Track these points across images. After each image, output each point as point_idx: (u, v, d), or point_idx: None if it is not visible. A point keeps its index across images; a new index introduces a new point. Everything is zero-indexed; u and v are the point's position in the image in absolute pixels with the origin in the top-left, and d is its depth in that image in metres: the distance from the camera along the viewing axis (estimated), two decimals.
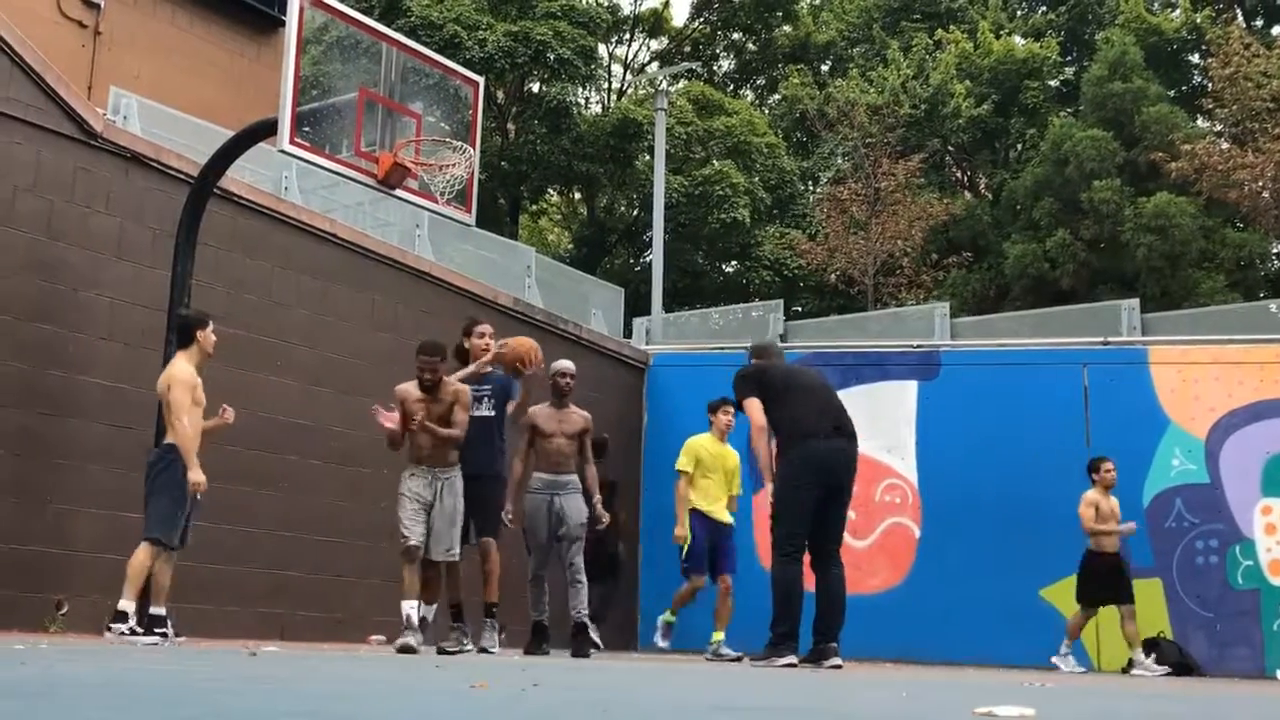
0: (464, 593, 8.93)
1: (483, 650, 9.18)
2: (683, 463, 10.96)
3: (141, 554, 7.95)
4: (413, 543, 8.52)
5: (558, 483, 9.60)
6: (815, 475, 8.11)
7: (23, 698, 2.30)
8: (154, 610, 8.08)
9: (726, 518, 10.97)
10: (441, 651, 8.60)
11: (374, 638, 10.94)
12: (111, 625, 7.84)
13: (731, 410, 10.58)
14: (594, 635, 9.70)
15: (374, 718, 2.17)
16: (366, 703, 2.47)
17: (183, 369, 8.17)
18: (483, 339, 9.14)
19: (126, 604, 7.90)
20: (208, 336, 8.29)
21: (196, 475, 8.02)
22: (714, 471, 10.96)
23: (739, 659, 10.03)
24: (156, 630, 7.98)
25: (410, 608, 8.53)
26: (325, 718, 2.13)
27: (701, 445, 11.03)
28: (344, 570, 11.34)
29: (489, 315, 12.91)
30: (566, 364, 10.04)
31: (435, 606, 9.08)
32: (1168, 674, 11.24)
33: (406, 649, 8.29)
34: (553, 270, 17.22)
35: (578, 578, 9.64)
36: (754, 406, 8.46)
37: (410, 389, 8.64)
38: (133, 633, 7.81)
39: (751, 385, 8.59)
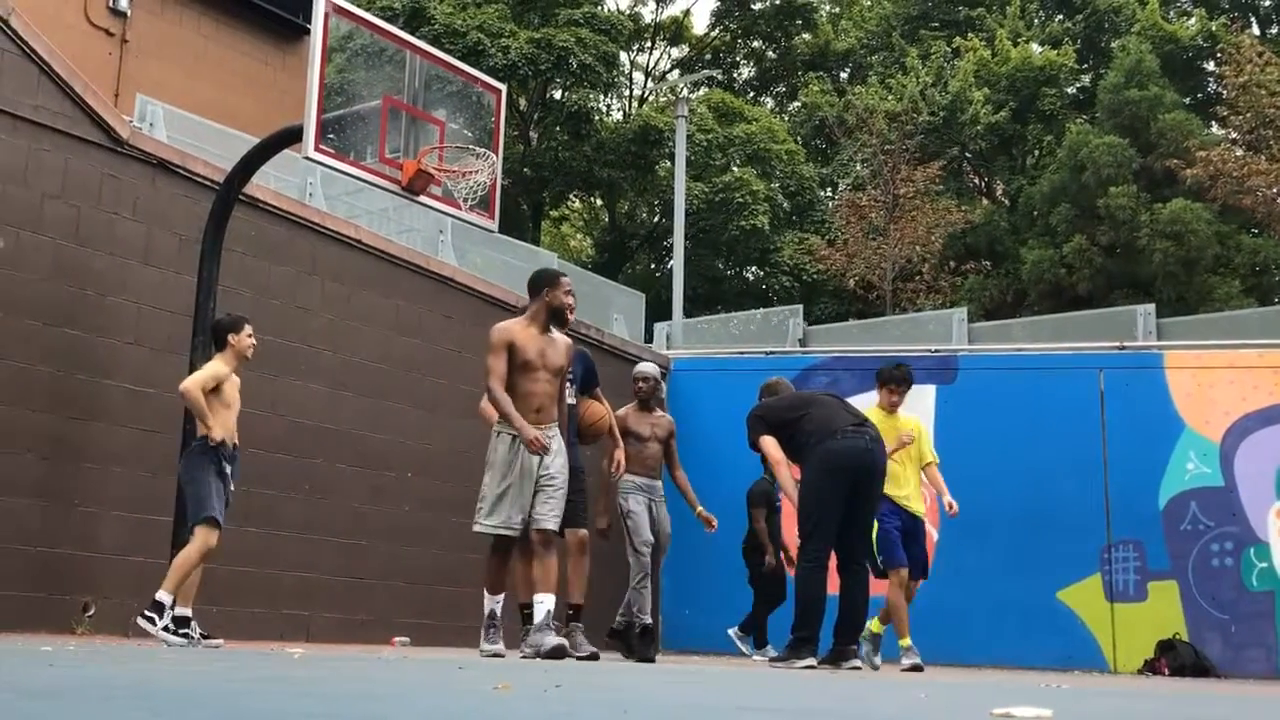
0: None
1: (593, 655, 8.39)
2: None
3: (192, 547, 7.97)
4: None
5: (653, 488, 9.53)
6: (836, 474, 8.14)
7: (50, 698, 2.33)
8: (180, 611, 8.09)
9: (918, 507, 9.75)
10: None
11: (398, 639, 11.00)
12: (145, 614, 7.84)
13: (898, 391, 9.83)
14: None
15: (397, 718, 2.20)
16: (390, 704, 2.49)
17: (208, 366, 8.30)
18: (569, 295, 8.22)
19: (164, 595, 7.90)
20: (241, 340, 8.35)
21: (217, 432, 8.09)
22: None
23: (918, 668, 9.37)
24: (180, 631, 8.00)
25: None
26: (348, 719, 2.16)
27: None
28: (368, 573, 11.42)
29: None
30: (647, 368, 9.99)
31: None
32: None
33: (559, 652, 7.56)
34: (575, 276, 17.23)
35: (647, 584, 9.47)
36: (768, 444, 8.58)
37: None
38: (166, 630, 7.82)
39: (761, 424, 8.70)
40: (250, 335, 8.44)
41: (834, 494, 8.15)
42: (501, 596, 7.98)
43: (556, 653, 7.47)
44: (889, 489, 9.22)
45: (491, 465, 7.78)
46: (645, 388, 9.67)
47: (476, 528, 7.71)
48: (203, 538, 7.96)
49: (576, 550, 8.77)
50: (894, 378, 9.89)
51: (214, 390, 8.18)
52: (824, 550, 8.18)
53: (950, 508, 9.68)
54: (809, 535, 8.19)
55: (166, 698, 2.40)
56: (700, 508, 9.73)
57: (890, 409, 9.83)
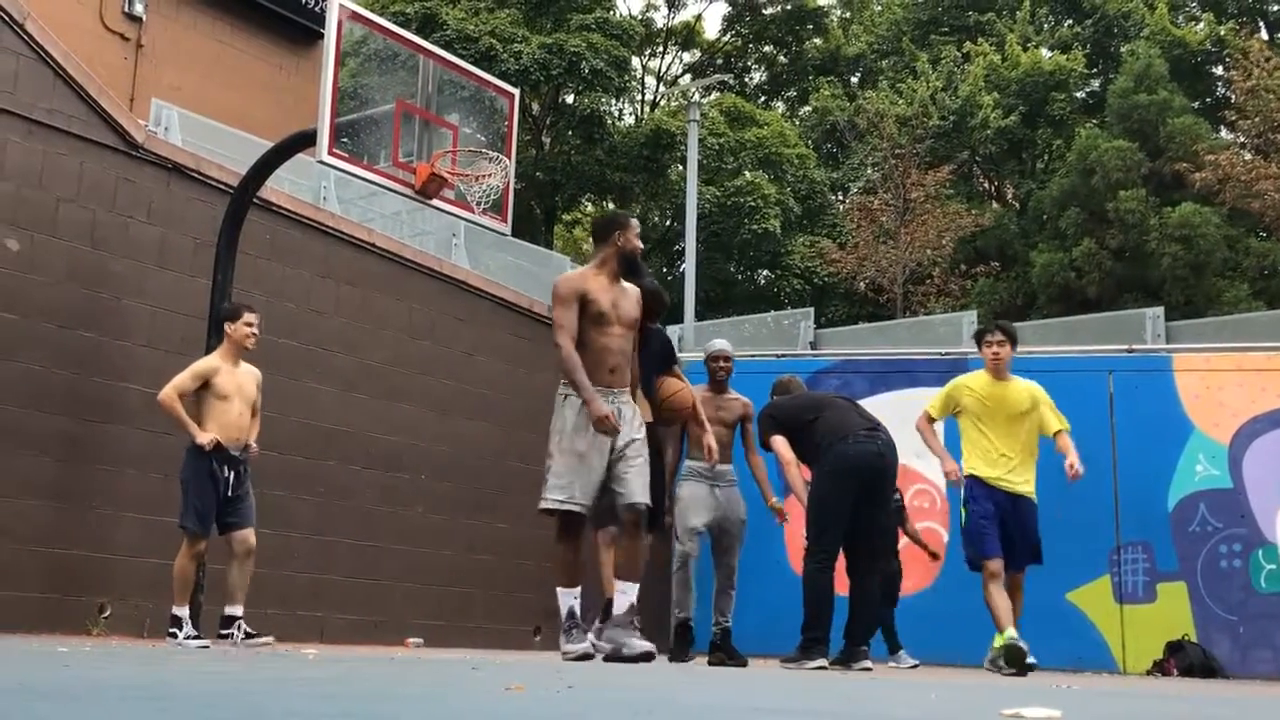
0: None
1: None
2: (932, 404, 8.88)
3: (179, 555, 8.03)
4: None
5: (719, 473, 8.85)
6: (846, 478, 8.13)
7: (66, 699, 2.33)
8: (228, 610, 8.14)
9: (1023, 487, 8.47)
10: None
11: (411, 640, 11.04)
12: (168, 631, 7.99)
13: (1000, 341, 8.63)
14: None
15: (410, 718, 2.22)
16: (403, 704, 2.50)
17: (194, 364, 8.28)
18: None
19: (176, 609, 7.99)
20: (237, 329, 8.28)
21: (202, 436, 8.00)
22: (993, 419, 8.54)
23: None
24: (222, 632, 8.07)
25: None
26: (362, 718, 2.18)
27: (965, 386, 8.69)
28: (381, 574, 11.46)
29: (524, 323, 13.05)
30: (725, 346, 9.38)
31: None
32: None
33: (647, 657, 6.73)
34: None
35: (731, 581, 8.87)
36: (779, 443, 8.42)
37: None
38: (188, 638, 7.88)
39: (772, 424, 8.53)
40: (249, 324, 8.33)
41: (842, 498, 8.13)
42: (578, 589, 6.85)
43: (645, 658, 6.64)
44: (976, 465, 8.47)
45: (557, 432, 6.83)
46: (725, 368, 9.13)
47: (541, 505, 6.70)
48: (184, 547, 8.02)
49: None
50: (983, 332, 8.87)
51: (205, 386, 8.13)
52: (830, 552, 8.18)
53: (1071, 469, 8.36)
54: (816, 537, 8.19)
55: (181, 699, 2.42)
56: (774, 498, 9.00)
57: (995, 372, 8.63)
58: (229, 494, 8.16)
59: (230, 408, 8.19)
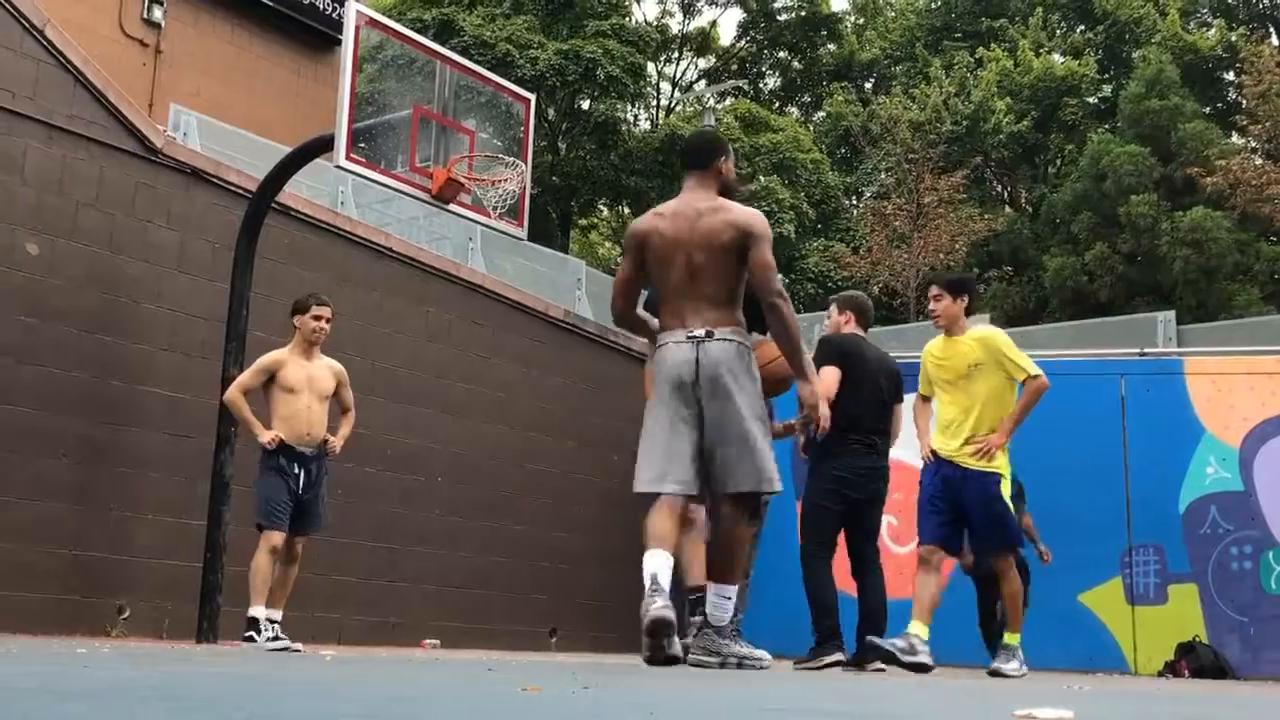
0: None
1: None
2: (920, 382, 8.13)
3: (257, 555, 7.90)
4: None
5: None
6: (843, 495, 7.98)
7: (85, 699, 2.33)
8: (251, 612, 7.92)
9: (971, 462, 7.65)
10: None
11: (428, 642, 11.08)
12: (245, 635, 7.84)
13: (935, 296, 7.93)
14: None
15: (427, 719, 2.23)
16: (420, 705, 2.50)
17: (267, 354, 8.19)
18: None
19: (252, 610, 7.85)
20: (304, 322, 8.20)
21: (262, 435, 7.93)
22: (950, 381, 7.83)
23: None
24: (246, 634, 7.89)
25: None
26: (380, 719, 2.20)
27: (928, 352, 8.06)
28: (399, 576, 11.50)
29: (540, 327, 13.09)
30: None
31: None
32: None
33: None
34: (603, 283, 17.34)
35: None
36: (830, 374, 7.77)
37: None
38: (269, 639, 7.78)
39: (835, 354, 7.91)
40: (317, 317, 8.21)
41: (837, 510, 7.97)
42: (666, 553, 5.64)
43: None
44: (936, 441, 7.81)
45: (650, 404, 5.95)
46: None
47: (636, 487, 5.88)
48: (261, 545, 7.91)
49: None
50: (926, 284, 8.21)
51: (272, 379, 8.06)
52: (828, 545, 7.99)
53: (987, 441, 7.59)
54: (808, 538, 8.13)
55: (200, 699, 2.44)
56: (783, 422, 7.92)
57: (944, 330, 7.94)
58: (300, 492, 8.03)
59: (297, 401, 8.07)
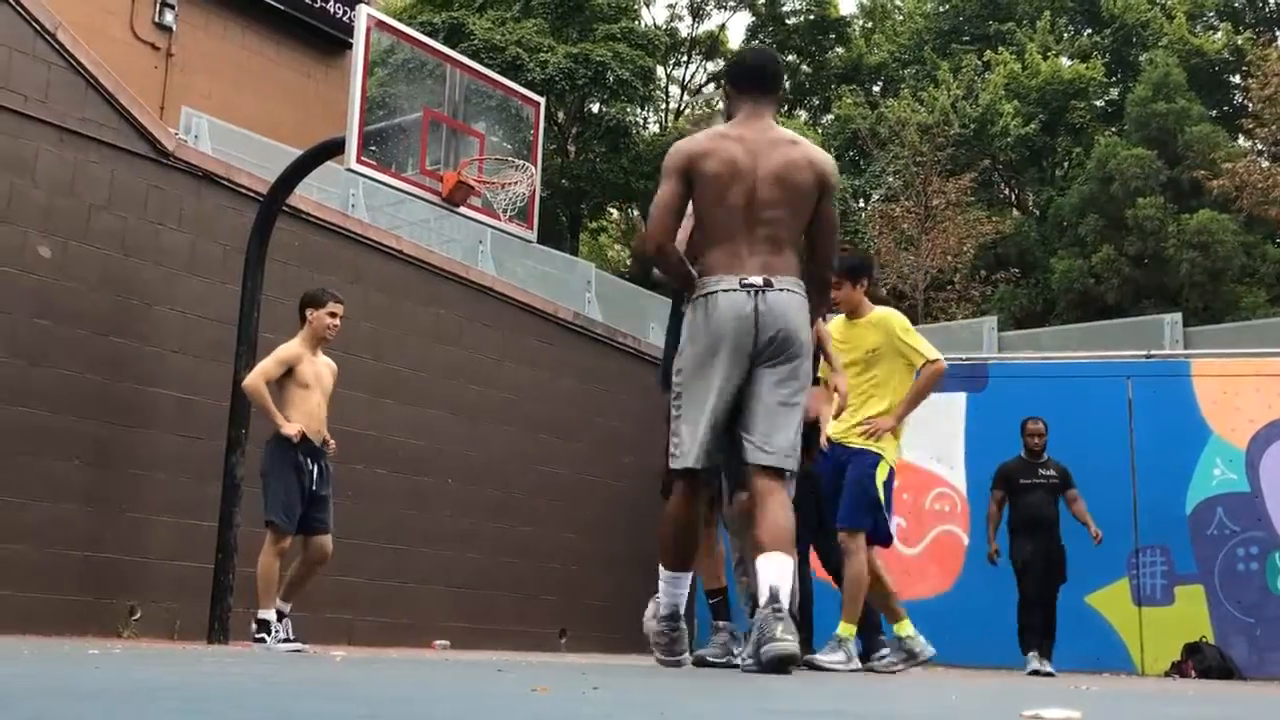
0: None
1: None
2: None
3: (263, 555, 7.70)
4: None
5: None
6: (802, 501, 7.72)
7: (96, 699, 2.32)
8: (261, 614, 7.75)
9: (853, 436, 7.30)
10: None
11: (438, 643, 11.11)
12: (255, 636, 7.69)
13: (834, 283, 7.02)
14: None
15: (436, 719, 2.24)
16: (429, 705, 2.50)
17: (284, 345, 7.99)
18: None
19: (263, 612, 7.70)
20: (319, 317, 7.98)
21: (288, 427, 7.70)
22: (848, 367, 7.39)
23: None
24: (257, 636, 7.73)
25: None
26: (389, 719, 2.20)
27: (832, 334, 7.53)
28: (409, 577, 11.53)
29: (550, 329, 13.12)
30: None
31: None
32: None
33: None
34: (612, 285, 17.37)
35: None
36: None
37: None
38: (280, 641, 7.64)
39: None
40: (333, 314, 8.01)
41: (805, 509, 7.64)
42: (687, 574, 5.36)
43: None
44: (833, 427, 7.37)
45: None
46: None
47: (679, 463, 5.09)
48: (269, 543, 7.72)
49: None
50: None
51: (288, 374, 7.83)
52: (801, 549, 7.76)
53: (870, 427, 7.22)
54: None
55: (211, 699, 2.44)
56: None
57: (846, 314, 7.53)
58: (314, 489, 7.85)
59: (311, 397, 7.90)
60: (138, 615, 9.33)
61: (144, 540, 9.49)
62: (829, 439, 7.36)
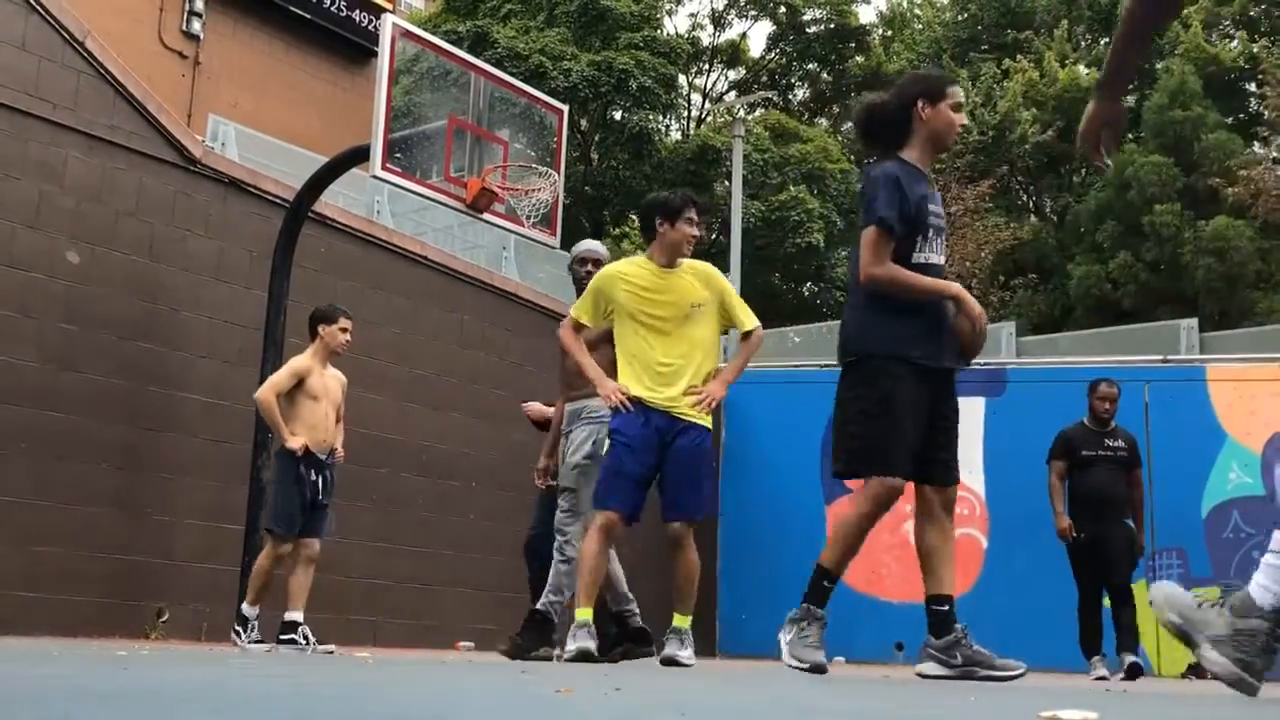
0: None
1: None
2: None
3: (261, 557, 8.00)
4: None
5: (570, 412, 7.67)
6: None
7: (125, 700, 2.33)
8: (288, 616, 7.96)
9: (685, 407, 6.38)
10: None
11: (462, 644, 11.17)
12: (234, 628, 8.06)
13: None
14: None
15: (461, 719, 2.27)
16: (454, 706, 2.51)
17: (296, 358, 8.15)
18: None
19: (246, 607, 7.99)
20: (332, 333, 8.13)
21: (292, 440, 7.84)
22: (663, 322, 6.44)
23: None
24: (283, 637, 7.88)
25: None
26: None
27: (625, 280, 6.53)
28: (433, 579, 11.60)
29: None
30: (591, 246, 8.10)
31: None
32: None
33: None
34: None
35: (560, 550, 7.49)
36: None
37: None
38: (252, 642, 7.89)
39: None
40: (344, 329, 8.18)
41: None
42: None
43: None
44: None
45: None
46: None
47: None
48: (267, 548, 7.97)
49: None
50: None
51: (299, 385, 7.98)
52: None
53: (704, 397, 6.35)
54: None
55: (239, 701, 2.45)
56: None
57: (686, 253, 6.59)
58: (318, 497, 8.03)
59: (319, 409, 8.05)
60: (165, 617, 9.41)
61: (172, 543, 9.58)
62: (637, 400, 6.30)
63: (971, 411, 13.81)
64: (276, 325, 9.42)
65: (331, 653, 7.86)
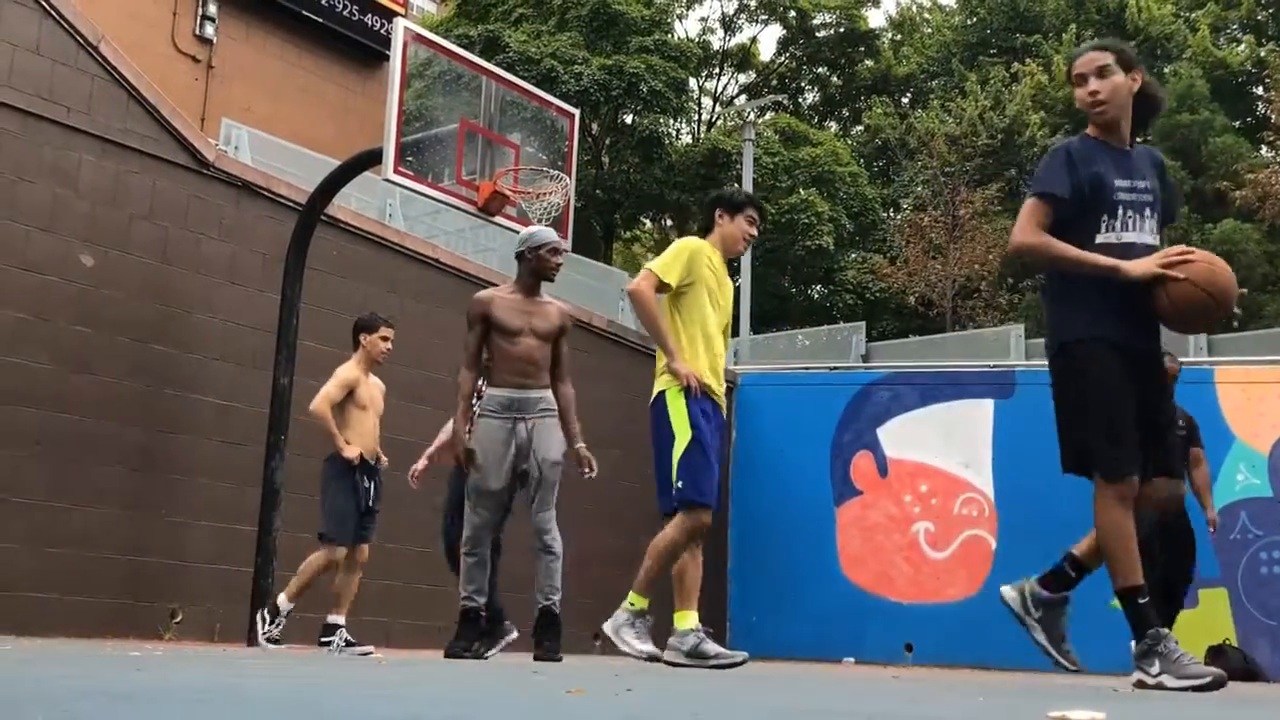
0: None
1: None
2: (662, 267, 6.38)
3: (315, 559, 8.22)
4: None
5: (525, 402, 7.51)
6: None
7: (139, 700, 2.36)
8: (331, 619, 8.29)
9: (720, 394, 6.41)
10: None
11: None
12: (262, 614, 8.25)
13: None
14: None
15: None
16: (466, 707, 2.50)
17: (342, 368, 8.38)
18: None
19: (283, 600, 8.24)
20: (374, 342, 8.40)
21: (349, 450, 8.16)
22: (717, 308, 6.50)
23: None
24: (323, 640, 8.22)
25: None
26: None
27: (707, 257, 6.49)
28: (445, 580, 11.61)
29: (584, 337, 13.20)
30: (551, 233, 7.63)
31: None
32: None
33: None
34: None
35: (547, 545, 7.67)
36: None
37: None
38: (269, 641, 8.09)
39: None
40: (385, 339, 8.44)
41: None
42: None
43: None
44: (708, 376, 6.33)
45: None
46: (558, 266, 7.43)
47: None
48: (323, 553, 8.21)
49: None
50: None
51: (348, 396, 8.27)
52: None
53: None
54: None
55: (253, 701, 2.46)
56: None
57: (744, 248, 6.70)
58: (369, 504, 8.36)
59: (368, 418, 8.36)
60: (179, 618, 9.45)
61: (185, 545, 9.62)
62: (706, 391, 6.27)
63: (980, 413, 13.84)
64: (289, 328, 9.45)
65: (369, 654, 8.00)
